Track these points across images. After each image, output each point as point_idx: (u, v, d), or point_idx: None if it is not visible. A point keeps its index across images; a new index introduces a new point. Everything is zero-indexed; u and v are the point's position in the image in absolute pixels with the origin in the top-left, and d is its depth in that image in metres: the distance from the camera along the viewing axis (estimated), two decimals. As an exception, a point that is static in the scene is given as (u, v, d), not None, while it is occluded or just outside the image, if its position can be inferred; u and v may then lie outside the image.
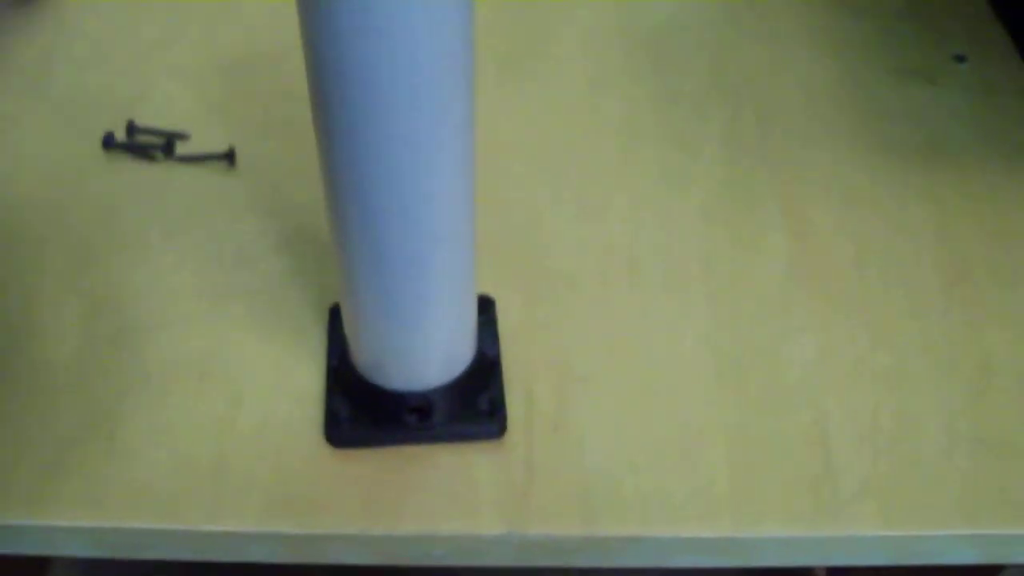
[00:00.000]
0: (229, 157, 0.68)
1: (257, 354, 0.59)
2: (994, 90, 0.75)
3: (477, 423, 0.54)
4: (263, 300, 0.61)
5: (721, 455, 0.55)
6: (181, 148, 0.69)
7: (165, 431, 0.55)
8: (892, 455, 0.55)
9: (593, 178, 0.68)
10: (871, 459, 0.55)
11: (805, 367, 0.59)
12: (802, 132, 0.72)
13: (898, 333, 0.61)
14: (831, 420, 0.57)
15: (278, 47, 0.76)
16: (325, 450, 0.54)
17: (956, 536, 0.53)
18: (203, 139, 0.69)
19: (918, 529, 0.53)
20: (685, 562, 0.53)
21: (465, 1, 0.41)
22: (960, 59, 0.77)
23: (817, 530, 0.53)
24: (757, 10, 0.81)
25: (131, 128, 0.69)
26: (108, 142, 0.68)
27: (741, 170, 0.69)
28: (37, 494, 0.53)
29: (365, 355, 0.54)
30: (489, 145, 0.70)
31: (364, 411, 0.55)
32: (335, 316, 0.58)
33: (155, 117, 0.70)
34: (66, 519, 0.53)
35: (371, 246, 0.47)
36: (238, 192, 0.67)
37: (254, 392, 0.57)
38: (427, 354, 0.53)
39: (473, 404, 0.55)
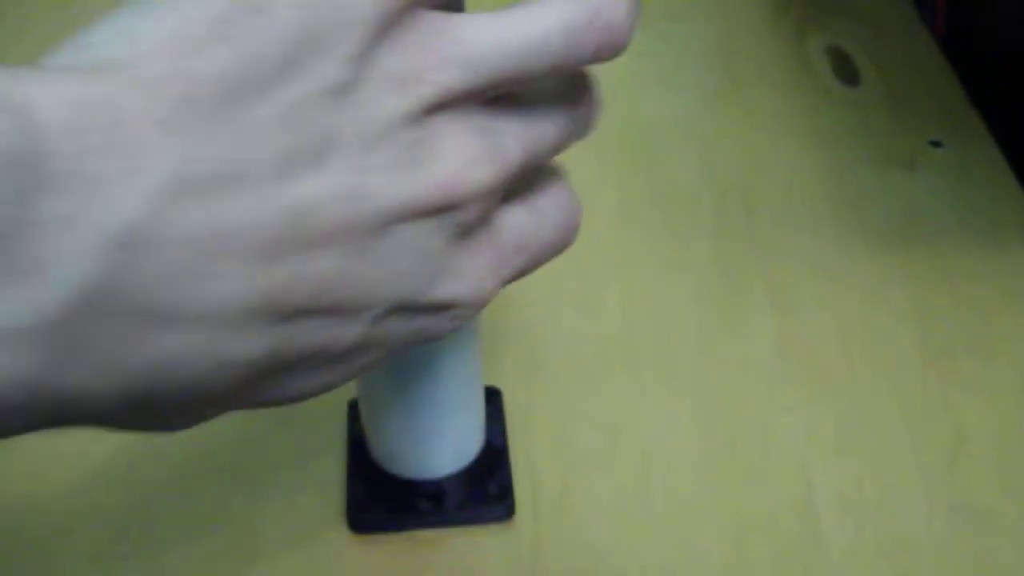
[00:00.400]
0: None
1: (278, 446, 0.63)
2: (970, 173, 0.80)
3: (487, 507, 0.58)
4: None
5: (715, 529, 0.59)
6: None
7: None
8: (876, 524, 0.59)
9: (590, 270, 0.73)
10: (855, 529, 0.59)
11: (792, 443, 0.63)
12: (787, 217, 0.76)
13: (880, 409, 0.65)
14: (816, 493, 0.60)
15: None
16: (345, 535, 0.58)
17: (938, 600, 0.57)
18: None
19: (901, 594, 0.56)
20: (683, 632, 0.57)
21: None
22: (937, 144, 0.82)
23: (806, 597, 0.56)
24: (742, 102, 0.86)
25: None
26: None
27: (729, 256, 0.73)
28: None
29: (382, 447, 0.58)
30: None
31: (381, 498, 0.59)
32: (353, 410, 0.63)
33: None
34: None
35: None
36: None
37: (275, 483, 0.61)
38: (440, 446, 0.57)
39: (483, 489, 0.59)
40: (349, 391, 0.65)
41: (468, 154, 0.37)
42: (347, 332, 0.36)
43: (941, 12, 0.92)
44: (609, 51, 0.38)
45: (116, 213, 0.29)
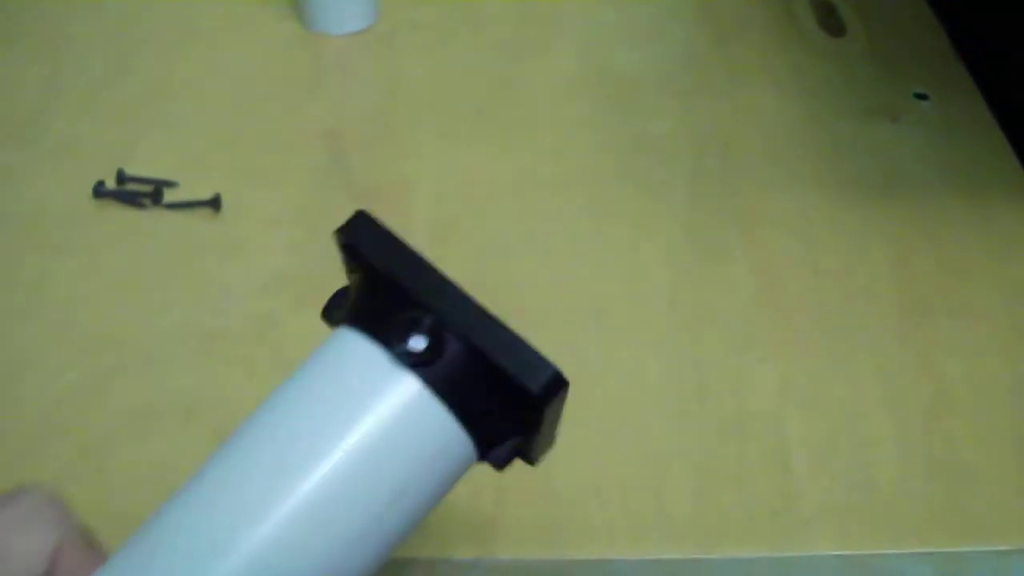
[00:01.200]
0: (214, 203, 0.70)
1: (241, 392, 0.61)
2: (955, 127, 0.78)
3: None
4: (248, 340, 0.64)
5: (684, 481, 0.57)
6: (169, 195, 0.71)
7: (154, 466, 0.58)
8: (849, 479, 0.58)
9: (562, 220, 0.71)
10: (829, 483, 0.57)
11: (767, 395, 0.61)
12: (765, 172, 0.74)
13: (856, 362, 0.63)
14: (791, 446, 0.59)
15: (265, 93, 0.79)
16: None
17: (912, 555, 0.55)
18: (190, 186, 0.72)
19: (875, 548, 0.55)
20: (649, 584, 0.55)
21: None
22: (922, 97, 0.80)
23: (777, 551, 0.55)
24: (721, 54, 0.84)
25: (121, 177, 0.72)
26: (98, 190, 0.71)
27: (706, 209, 0.72)
28: (29, 528, 0.56)
29: None
30: (463, 187, 0.73)
31: None
32: None
33: (144, 166, 0.73)
34: (57, 552, 0.55)
35: None
36: (223, 237, 0.69)
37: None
38: None
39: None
40: (315, 334, 0.63)
41: None
42: None
43: (928, -35, 0.90)
44: None
45: None
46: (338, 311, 0.43)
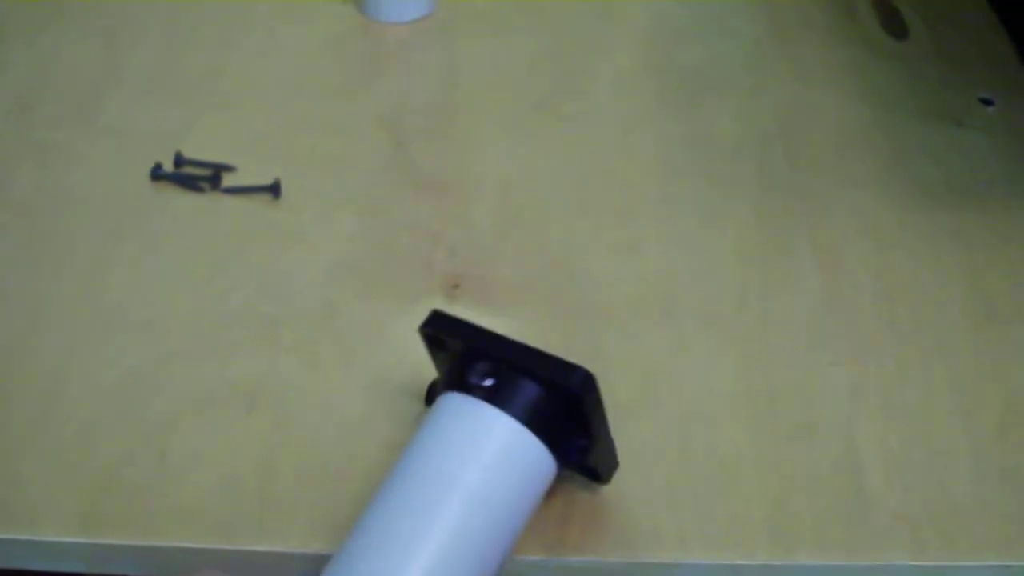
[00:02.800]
0: (274, 189, 0.70)
1: (302, 381, 0.60)
2: (1020, 132, 0.77)
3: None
4: (310, 328, 0.63)
5: (756, 486, 0.56)
6: (227, 180, 0.71)
7: (214, 453, 0.57)
8: (923, 487, 0.57)
9: (629, 215, 0.70)
10: (903, 491, 0.56)
11: (837, 401, 0.60)
12: (832, 172, 0.73)
13: (928, 369, 0.62)
14: (862, 453, 0.58)
15: (324, 80, 0.78)
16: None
17: (987, 567, 0.54)
18: (248, 171, 0.71)
19: (950, 560, 0.54)
20: (721, 589, 0.54)
21: None
22: (987, 102, 0.79)
23: (851, 559, 0.54)
24: (784, 52, 0.83)
25: (178, 160, 0.71)
26: (156, 173, 0.70)
27: (773, 209, 0.70)
28: (89, 513, 0.55)
29: None
30: (526, 180, 0.72)
31: None
32: None
33: (202, 149, 0.72)
34: (117, 538, 0.55)
35: None
36: (283, 223, 0.68)
37: (300, 416, 0.59)
38: None
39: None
40: (374, 321, 0.63)
41: None
42: None
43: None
44: None
45: None
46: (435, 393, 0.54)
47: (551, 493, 0.53)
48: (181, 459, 0.57)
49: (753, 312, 0.64)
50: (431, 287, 0.65)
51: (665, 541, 0.54)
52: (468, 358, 0.51)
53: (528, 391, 0.50)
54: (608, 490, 0.55)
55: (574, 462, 0.52)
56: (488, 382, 0.50)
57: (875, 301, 0.65)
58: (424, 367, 0.56)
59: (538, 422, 0.50)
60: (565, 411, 0.51)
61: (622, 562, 0.53)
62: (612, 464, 0.55)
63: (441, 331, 0.53)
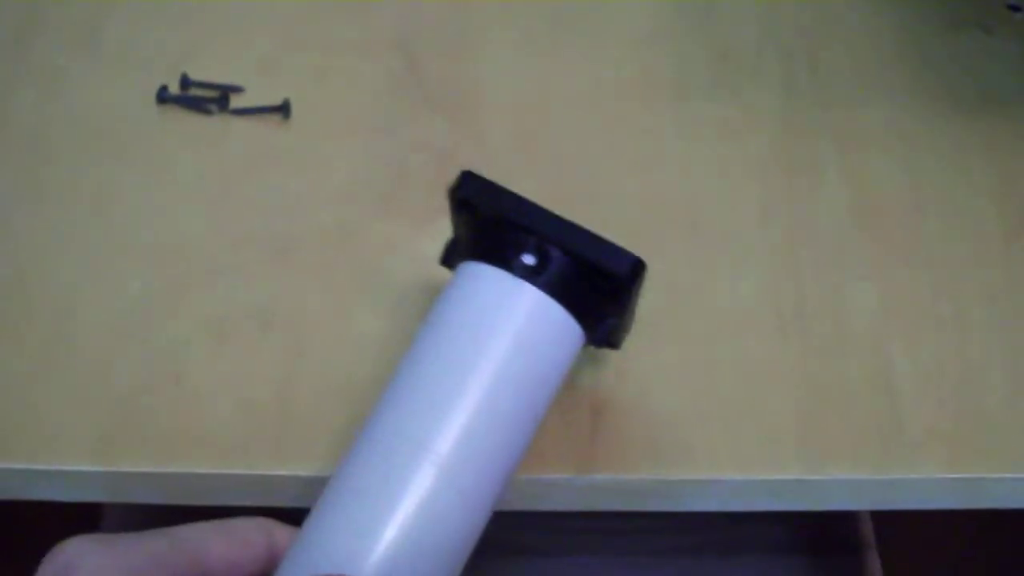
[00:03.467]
0: (284, 109, 0.68)
1: (318, 302, 0.59)
2: (1049, 40, 0.75)
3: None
4: (323, 249, 0.61)
5: (787, 401, 0.55)
6: (235, 101, 0.69)
7: (230, 377, 0.56)
8: (958, 401, 0.55)
9: (647, 131, 0.68)
10: (936, 405, 0.55)
11: (867, 315, 0.59)
12: (856, 83, 0.71)
13: (960, 281, 0.61)
14: (895, 367, 0.57)
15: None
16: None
17: (1022, 479, 0.53)
18: (257, 92, 0.69)
19: (986, 472, 0.53)
20: (754, 505, 0.53)
21: None
22: (1016, 8, 0.76)
23: (885, 473, 0.53)
24: (808, -38, 0.80)
25: (185, 81, 0.69)
26: (162, 95, 0.68)
27: (797, 121, 0.68)
28: (104, 440, 0.54)
29: None
30: (541, 97, 0.70)
31: None
32: None
33: (208, 70, 0.70)
34: (133, 465, 0.54)
35: None
36: (294, 144, 0.67)
37: (316, 338, 0.57)
38: None
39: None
40: (386, 243, 0.61)
41: None
42: None
43: None
44: None
45: None
46: (455, 255, 0.52)
47: (576, 407, 0.52)
48: (197, 384, 0.56)
49: (778, 228, 0.63)
50: (445, 206, 0.63)
51: (697, 458, 0.53)
52: (505, 230, 0.48)
53: (570, 270, 0.48)
54: (636, 408, 0.54)
55: (602, 341, 0.50)
56: (529, 259, 0.47)
57: (904, 213, 0.64)
58: (440, 286, 0.54)
59: (575, 301, 0.48)
60: (604, 291, 0.49)
61: (653, 479, 0.52)
62: (627, 331, 0.53)
63: (477, 196, 0.50)
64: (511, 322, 0.47)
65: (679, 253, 0.61)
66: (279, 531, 0.44)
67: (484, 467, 0.45)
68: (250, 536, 0.43)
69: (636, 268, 0.48)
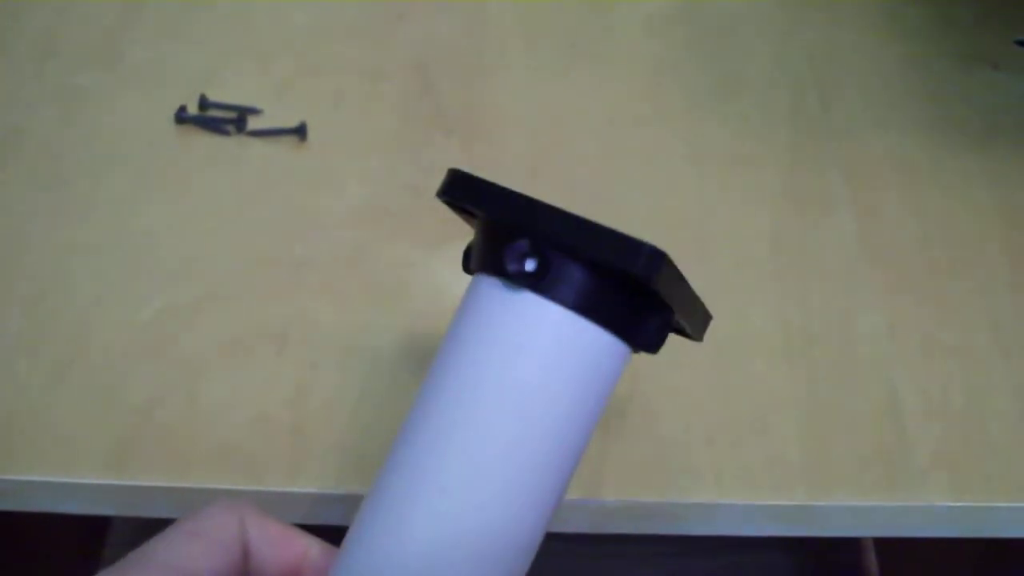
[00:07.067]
0: (300, 131, 0.69)
1: (332, 321, 0.60)
2: (1056, 76, 0.76)
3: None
4: (338, 270, 0.62)
5: (793, 427, 0.56)
6: (253, 123, 0.70)
7: (245, 394, 0.56)
8: (963, 429, 0.56)
9: (659, 157, 0.69)
10: (942, 432, 0.56)
11: (874, 342, 0.59)
12: (865, 112, 0.72)
13: (965, 311, 0.61)
14: (901, 394, 0.57)
15: (347, 24, 0.77)
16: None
17: (1029, 509, 0.54)
18: (274, 114, 0.70)
19: (990, 501, 0.53)
20: (759, 530, 0.54)
21: None
22: (1023, 44, 0.77)
23: (889, 500, 0.53)
24: (819, -6, 0.81)
25: (203, 102, 0.70)
26: (181, 116, 0.69)
27: (807, 151, 0.69)
28: (119, 455, 0.55)
29: None
30: (555, 122, 0.71)
31: None
32: None
33: (227, 92, 0.71)
34: (147, 479, 0.54)
35: None
36: (310, 166, 0.68)
37: (330, 357, 0.58)
38: None
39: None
40: (401, 263, 0.62)
41: None
42: None
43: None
44: None
45: None
46: (469, 261, 0.45)
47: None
48: (212, 400, 0.56)
49: (787, 256, 0.64)
50: (459, 230, 0.64)
51: (704, 482, 0.53)
52: (501, 233, 0.41)
53: (580, 272, 0.40)
54: (645, 432, 0.55)
55: (653, 343, 0.43)
56: (529, 266, 0.40)
57: (912, 242, 0.64)
58: (453, 308, 0.55)
59: (598, 307, 0.41)
60: (632, 288, 0.41)
61: (661, 503, 0.53)
62: (704, 319, 0.46)
63: (463, 200, 0.43)
64: (522, 347, 0.41)
65: (689, 278, 0.61)
66: (250, 519, 0.43)
67: (526, 510, 0.41)
68: (222, 535, 0.42)
69: (653, 261, 0.40)
